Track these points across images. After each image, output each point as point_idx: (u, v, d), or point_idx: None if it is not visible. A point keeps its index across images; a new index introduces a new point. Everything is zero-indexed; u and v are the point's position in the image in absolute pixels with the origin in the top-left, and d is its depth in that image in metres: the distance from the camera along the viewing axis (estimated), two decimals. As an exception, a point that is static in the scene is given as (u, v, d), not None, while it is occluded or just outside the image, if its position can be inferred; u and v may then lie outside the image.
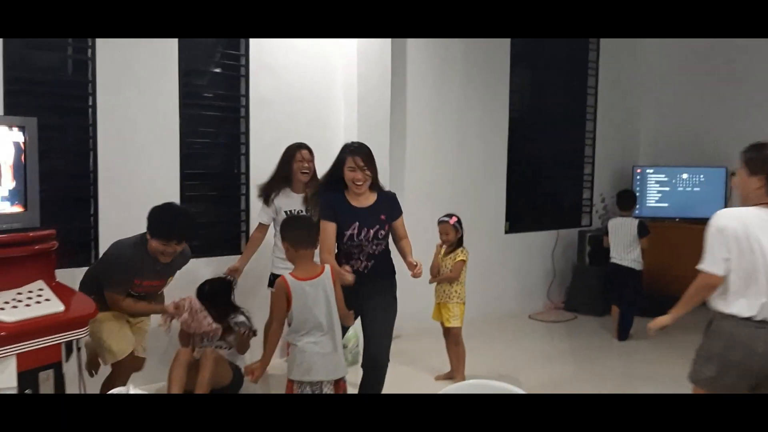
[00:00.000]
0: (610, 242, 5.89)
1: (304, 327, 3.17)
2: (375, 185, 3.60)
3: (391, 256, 3.68)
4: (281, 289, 3.18)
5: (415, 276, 3.49)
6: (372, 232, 3.51)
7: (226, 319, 4.03)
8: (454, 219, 4.50)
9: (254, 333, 4.12)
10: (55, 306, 3.09)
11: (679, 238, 6.80)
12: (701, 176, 7.00)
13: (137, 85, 4.25)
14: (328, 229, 3.46)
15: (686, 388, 2.95)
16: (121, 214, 4.20)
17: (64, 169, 4.12)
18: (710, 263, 2.73)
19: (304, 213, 4.22)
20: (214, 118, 4.78)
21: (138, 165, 4.29)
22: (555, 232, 6.93)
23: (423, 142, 5.77)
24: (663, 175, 7.09)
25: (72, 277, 3.67)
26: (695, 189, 7.02)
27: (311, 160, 4.28)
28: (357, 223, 3.49)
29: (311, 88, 5.08)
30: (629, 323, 5.77)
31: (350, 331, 4.22)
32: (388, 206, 3.60)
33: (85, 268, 4.04)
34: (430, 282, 4.56)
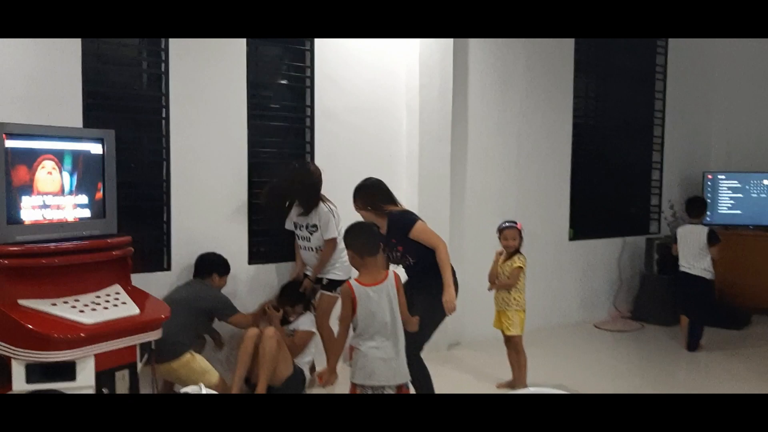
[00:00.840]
0: (678, 250, 5.74)
1: (367, 331, 3.23)
2: (381, 211, 3.87)
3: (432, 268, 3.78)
4: (346, 294, 3.25)
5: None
6: (393, 254, 3.88)
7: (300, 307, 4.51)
8: (520, 225, 4.50)
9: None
10: (131, 309, 3.26)
11: (752, 246, 6.58)
12: (777, 182, 6.74)
13: (207, 97, 4.42)
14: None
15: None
16: (192, 221, 4.38)
17: (139, 179, 4.30)
18: None
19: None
20: (280, 128, 4.92)
21: (208, 174, 4.45)
22: (621, 239, 6.80)
23: (485, 150, 5.77)
24: (735, 181, 6.86)
25: (146, 281, 3.85)
26: (770, 195, 6.76)
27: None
28: (385, 247, 3.80)
29: (374, 99, 5.16)
30: (699, 334, 5.60)
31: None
32: (393, 228, 3.84)
33: (159, 273, 4.26)
34: (489, 289, 4.56)
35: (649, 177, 7.18)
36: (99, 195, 3.45)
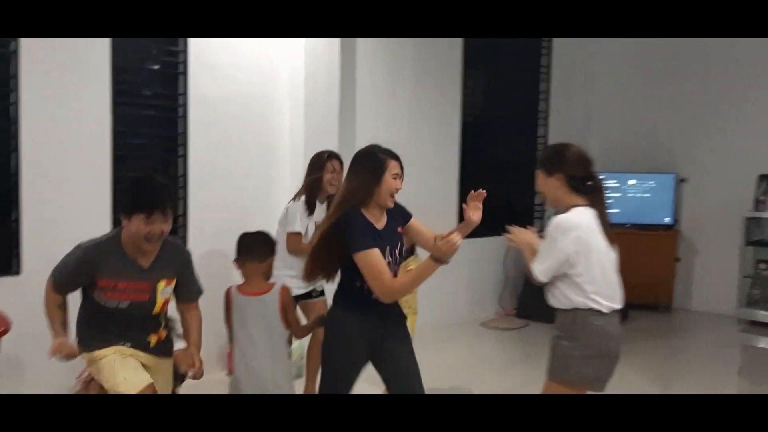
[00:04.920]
0: (561, 248, 5.81)
1: (239, 345, 3.02)
2: None
3: None
4: (225, 300, 3.08)
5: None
6: (397, 252, 2.90)
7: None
8: (407, 225, 4.33)
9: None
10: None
11: (628, 244, 6.75)
12: (651, 182, 7.01)
13: (65, 80, 3.98)
14: (378, 256, 2.73)
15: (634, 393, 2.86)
16: (48, 218, 3.94)
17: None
18: (541, 273, 2.84)
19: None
20: (150, 117, 4.51)
21: (66, 166, 4.01)
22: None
23: (373, 146, 5.59)
24: (614, 181, 7.06)
25: (-11, 288, 3.39)
26: (645, 195, 7.03)
27: (341, 171, 3.98)
28: (388, 247, 2.83)
29: (255, 89, 4.85)
30: (581, 330, 5.70)
31: (295, 344, 4.02)
32: (398, 214, 2.99)
33: (7, 278, 3.79)
34: (381, 291, 4.37)
35: (533, 175, 7.24)
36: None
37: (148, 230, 2.73)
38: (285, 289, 3.09)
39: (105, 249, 2.82)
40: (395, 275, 2.83)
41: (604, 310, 2.75)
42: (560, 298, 2.81)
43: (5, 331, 2.90)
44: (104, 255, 2.81)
